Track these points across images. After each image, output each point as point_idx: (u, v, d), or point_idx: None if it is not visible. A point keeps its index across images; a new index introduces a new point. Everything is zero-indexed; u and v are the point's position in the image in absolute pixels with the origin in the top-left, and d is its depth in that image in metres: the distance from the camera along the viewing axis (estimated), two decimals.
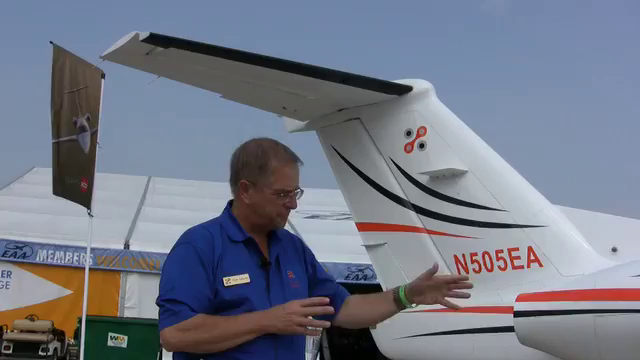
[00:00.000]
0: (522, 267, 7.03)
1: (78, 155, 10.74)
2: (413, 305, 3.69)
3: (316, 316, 3.27)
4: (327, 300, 3.27)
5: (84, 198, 10.78)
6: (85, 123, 10.67)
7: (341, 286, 3.84)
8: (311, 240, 3.76)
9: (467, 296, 3.65)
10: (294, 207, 3.45)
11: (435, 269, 3.65)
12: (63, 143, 10.67)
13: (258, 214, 3.46)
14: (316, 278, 3.70)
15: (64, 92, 10.57)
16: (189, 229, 3.47)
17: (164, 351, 14.14)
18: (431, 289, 3.64)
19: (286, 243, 3.60)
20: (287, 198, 3.43)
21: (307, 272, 3.65)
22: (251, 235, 3.44)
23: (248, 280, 3.31)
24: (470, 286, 3.69)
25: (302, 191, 3.53)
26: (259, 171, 3.44)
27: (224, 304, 3.26)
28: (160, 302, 3.29)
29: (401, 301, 3.68)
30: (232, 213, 3.50)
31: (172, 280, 3.31)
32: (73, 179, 10.76)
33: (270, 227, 3.48)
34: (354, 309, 3.77)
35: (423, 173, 7.57)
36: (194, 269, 3.27)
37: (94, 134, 10.66)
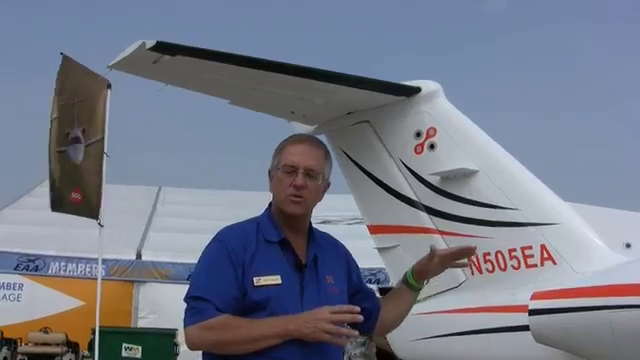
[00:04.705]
0: (536, 265, 6.99)
1: (68, 166, 10.70)
2: (425, 283, 3.71)
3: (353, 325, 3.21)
4: (357, 309, 3.19)
5: (79, 209, 10.75)
6: (79, 134, 10.63)
7: (378, 298, 3.78)
8: None
9: (466, 265, 3.87)
10: (299, 185, 3.33)
11: (433, 252, 3.66)
12: (58, 154, 10.66)
13: (275, 202, 3.41)
14: (361, 289, 3.65)
15: (61, 103, 10.56)
16: (224, 227, 3.43)
17: None
18: (436, 266, 3.67)
19: (327, 247, 3.53)
20: (293, 176, 3.35)
21: (351, 280, 3.57)
22: (287, 236, 3.37)
23: (279, 281, 3.24)
24: (473, 251, 3.77)
25: (326, 181, 3.47)
26: (274, 156, 3.46)
27: (253, 305, 3.20)
28: (186, 299, 3.26)
29: (413, 287, 3.68)
30: (270, 212, 3.45)
31: (199, 278, 3.29)
32: (66, 191, 10.73)
33: (288, 216, 3.38)
34: (381, 317, 3.71)
35: (434, 174, 7.55)
36: (223, 268, 3.23)
37: (92, 145, 10.61)
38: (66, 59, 10.60)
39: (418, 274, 3.68)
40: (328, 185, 3.52)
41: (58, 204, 10.87)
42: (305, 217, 3.46)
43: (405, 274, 3.71)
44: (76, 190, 10.68)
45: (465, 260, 3.79)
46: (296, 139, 3.48)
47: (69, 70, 10.62)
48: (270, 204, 3.48)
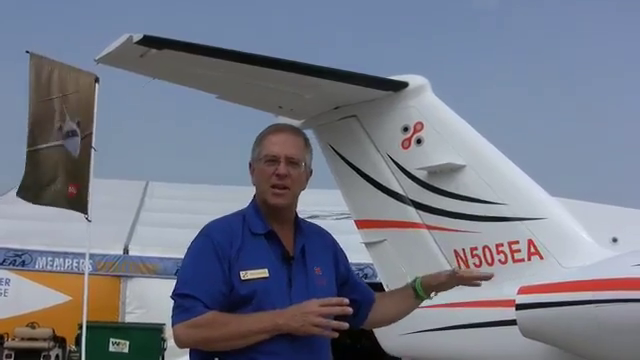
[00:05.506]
0: (523, 260, 7.02)
1: (65, 161, 10.62)
2: (432, 296, 3.70)
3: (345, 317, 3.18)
4: (346, 301, 3.17)
5: (73, 203, 10.68)
6: (75, 127, 10.55)
7: (372, 290, 3.75)
8: None
9: (479, 285, 3.76)
10: (282, 173, 3.30)
11: (455, 273, 3.67)
12: (45, 149, 10.54)
13: (259, 193, 3.38)
14: (348, 279, 3.61)
15: (46, 99, 10.46)
16: (211, 221, 3.39)
17: (166, 356, 14.17)
18: (451, 284, 3.68)
19: (315, 238, 3.49)
20: (275, 166, 3.32)
21: (339, 270, 3.53)
22: (273, 228, 3.33)
23: (267, 275, 3.20)
24: (490, 278, 3.76)
25: (308, 169, 3.44)
26: (254, 147, 3.43)
27: (241, 299, 3.17)
28: (173, 296, 3.22)
29: (422, 298, 3.68)
30: (256, 204, 3.41)
31: (186, 274, 3.25)
32: (59, 185, 10.64)
33: (272, 207, 3.35)
34: (375, 311, 3.70)
35: (421, 168, 7.56)
36: (209, 263, 3.19)
37: (85, 138, 10.55)
38: (34, 56, 10.49)
39: (428, 286, 3.67)
40: (310, 173, 3.49)
41: (34, 196, 10.72)
42: (290, 207, 3.42)
43: (414, 282, 3.69)
44: (72, 185, 10.60)
45: (479, 282, 3.77)
46: (275, 128, 3.45)
47: (42, 66, 10.50)
48: (255, 196, 3.45)
